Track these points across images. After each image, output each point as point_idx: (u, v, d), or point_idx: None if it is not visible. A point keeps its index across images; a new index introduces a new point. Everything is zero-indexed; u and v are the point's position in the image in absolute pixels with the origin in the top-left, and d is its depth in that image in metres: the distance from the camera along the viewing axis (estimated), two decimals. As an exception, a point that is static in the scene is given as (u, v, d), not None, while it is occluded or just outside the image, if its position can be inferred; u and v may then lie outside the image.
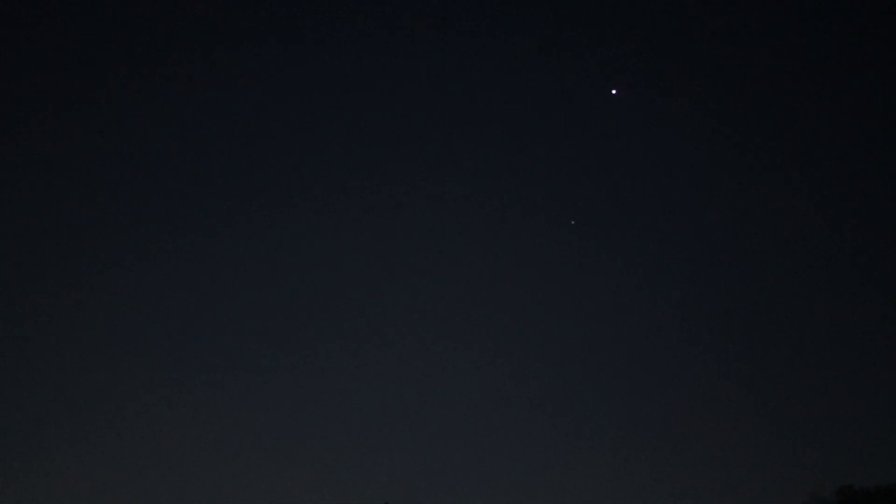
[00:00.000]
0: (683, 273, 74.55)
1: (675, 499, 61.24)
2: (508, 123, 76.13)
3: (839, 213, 74.84)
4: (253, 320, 67.50)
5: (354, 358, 65.99)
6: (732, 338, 70.79)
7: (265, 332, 66.60)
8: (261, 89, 71.46)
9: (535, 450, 62.47)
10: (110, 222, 65.82)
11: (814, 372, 67.85)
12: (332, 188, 70.08)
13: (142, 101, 71.79)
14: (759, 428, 63.65)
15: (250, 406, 62.74)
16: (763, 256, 78.80)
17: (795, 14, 68.08)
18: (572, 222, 69.08)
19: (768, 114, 79.40)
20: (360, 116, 76.37)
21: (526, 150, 75.04)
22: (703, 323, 73.14)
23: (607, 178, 73.90)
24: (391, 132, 75.99)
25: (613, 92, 69.10)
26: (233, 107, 74.60)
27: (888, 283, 70.09)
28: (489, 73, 78.08)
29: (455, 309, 68.95)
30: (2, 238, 61.92)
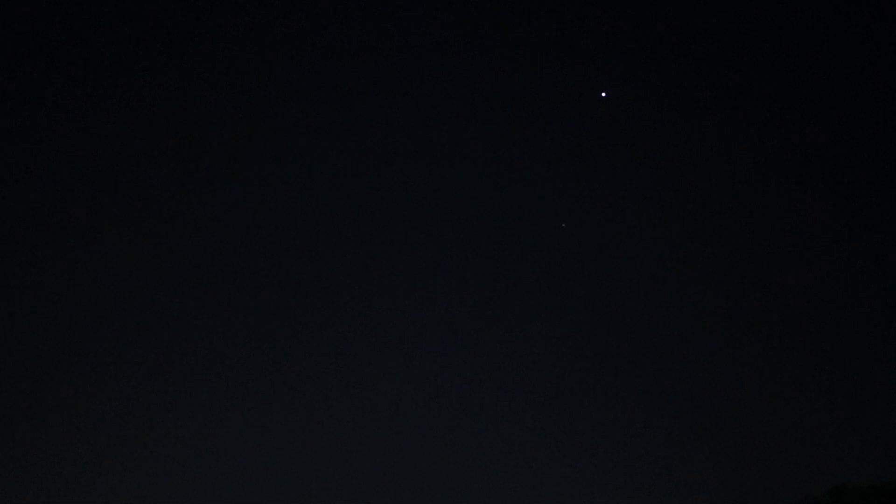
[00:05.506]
0: (677, 274, 74.14)
1: (666, 498, 60.84)
2: (497, 124, 75.94)
3: (838, 213, 74.37)
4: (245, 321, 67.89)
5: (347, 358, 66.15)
6: (724, 336, 70.36)
7: (257, 334, 66.94)
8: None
9: (531, 450, 62.45)
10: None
11: (807, 370, 67.44)
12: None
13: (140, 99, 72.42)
14: (751, 427, 63.27)
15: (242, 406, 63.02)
16: (758, 256, 78.15)
17: (795, 11, 67.90)
18: (563, 225, 68.79)
19: (767, 113, 78.73)
20: (352, 120, 76.67)
21: (515, 150, 74.83)
22: (695, 322, 72.69)
23: (598, 180, 73.70)
24: (382, 134, 76.04)
25: (603, 94, 68.73)
26: (227, 108, 75.01)
27: (884, 280, 69.42)
28: (477, 73, 77.87)
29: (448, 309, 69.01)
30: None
